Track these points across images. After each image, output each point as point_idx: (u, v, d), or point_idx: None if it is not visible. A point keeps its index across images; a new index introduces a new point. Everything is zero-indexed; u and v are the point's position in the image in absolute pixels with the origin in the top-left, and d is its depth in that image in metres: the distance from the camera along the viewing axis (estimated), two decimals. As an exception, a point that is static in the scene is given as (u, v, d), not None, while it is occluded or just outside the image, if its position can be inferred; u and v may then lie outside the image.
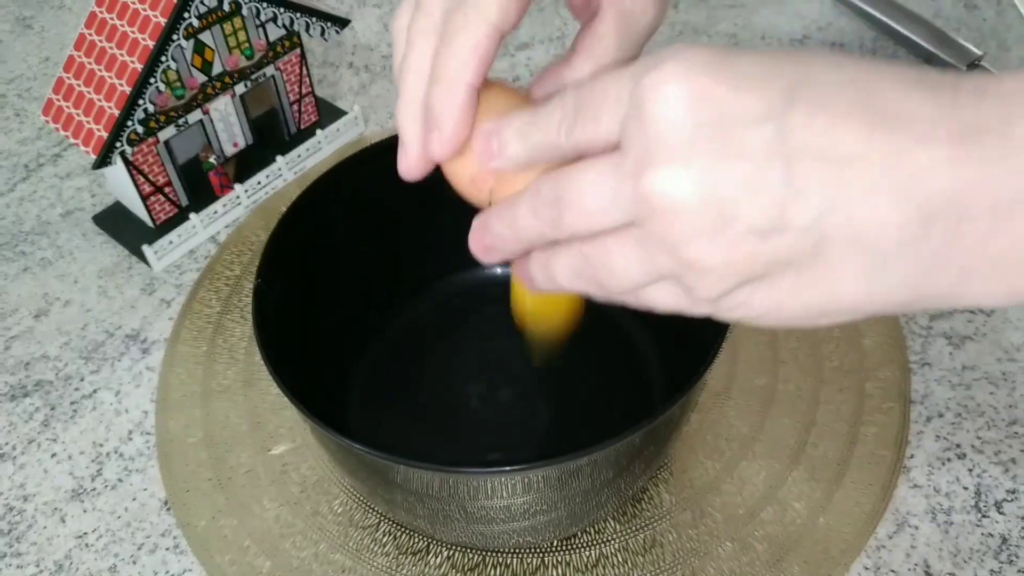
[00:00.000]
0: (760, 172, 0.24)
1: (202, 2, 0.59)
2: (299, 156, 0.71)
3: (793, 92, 0.24)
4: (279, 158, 0.69)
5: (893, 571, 0.47)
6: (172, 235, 0.65)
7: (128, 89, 0.58)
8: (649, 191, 0.25)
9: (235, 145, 0.69)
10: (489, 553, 0.49)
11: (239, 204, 0.68)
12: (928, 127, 0.23)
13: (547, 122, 0.28)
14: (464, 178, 0.33)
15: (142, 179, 0.63)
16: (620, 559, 0.48)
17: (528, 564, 0.48)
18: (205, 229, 0.67)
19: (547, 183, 0.28)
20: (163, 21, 0.57)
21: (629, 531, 0.49)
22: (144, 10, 0.58)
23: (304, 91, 0.71)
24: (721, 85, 0.24)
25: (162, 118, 0.62)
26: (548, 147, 0.29)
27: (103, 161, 0.59)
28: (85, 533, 0.52)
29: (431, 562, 0.49)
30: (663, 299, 0.28)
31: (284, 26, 0.65)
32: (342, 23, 0.68)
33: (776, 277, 0.25)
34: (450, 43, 0.30)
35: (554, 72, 0.36)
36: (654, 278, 0.27)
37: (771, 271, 0.25)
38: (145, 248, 0.64)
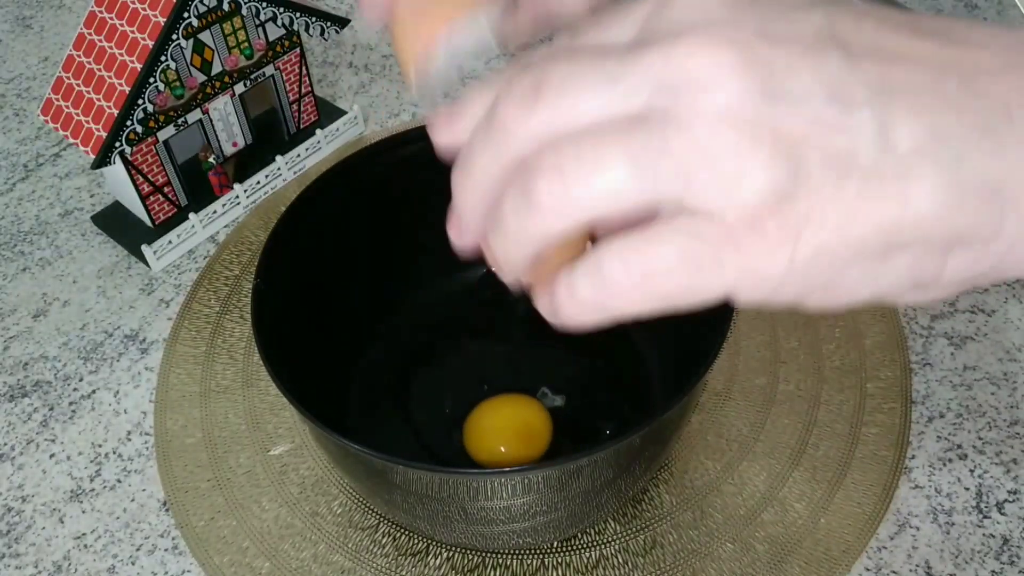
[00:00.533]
0: (814, 50, 0.20)
1: (201, 2, 0.59)
2: (298, 156, 0.71)
3: (833, 5, 0.22)
4: (278, 158, 0.69)
5: (894, 572, 0.47)
6: (171, 235, 0.65)
7: (127, 89, 0.58)
8: (680, 58, 0.20)
9: (234, 145, 0.68)
10: (489, 554, 0.49)
11: (238, 204, 0.68)
12: (982, 40, 0.21)
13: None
14: (407, 45, 0.31)
15: (141, 179, 0.63)
16: (620, 560, 0.48)
17: (528, 565, 0.48)
18: (204, 229, 0.67)
19: (523, 74, 0.22)
20: (162, 21, 0.57)
21: (629, 532, 0.49)
22: (144, 10, 0.58)
23: (304, 90, 0.71)
24: None
25: (161, 118, 0.62)
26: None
27: (102, 161, 0.59)
28: (84, 534, 0.52)
29: (431, 563, 0.49)
30: (674, 249, 0.20)
31: (284, 26, 0.65)
32: (342, 23, 0.68)
33: (838, 181, 0.20)
34: None
35: None
36: (658, 186, 0.20)
37: (830, 165, 0.20)
38: (144, 248, 0.64)
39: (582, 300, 0.22)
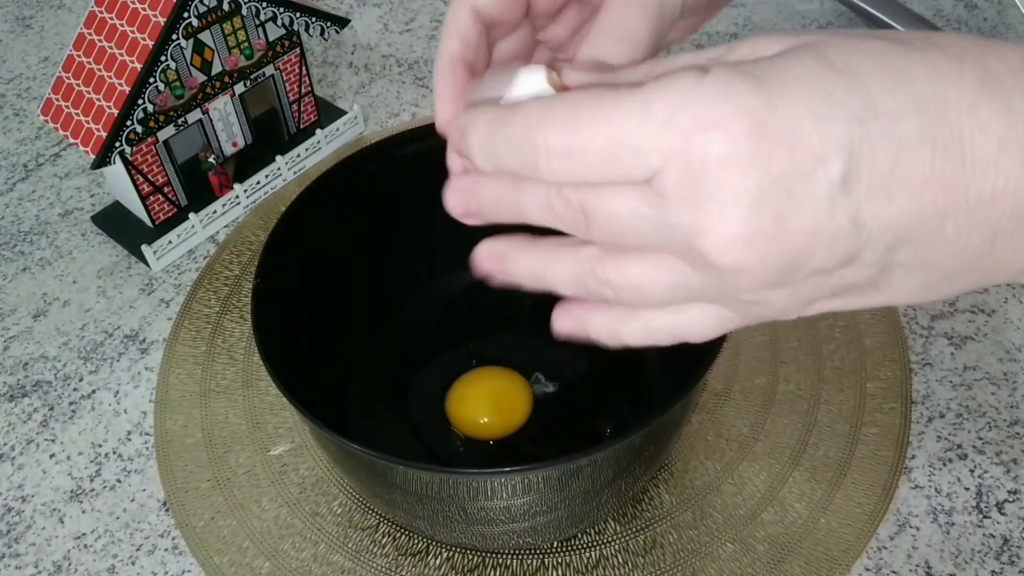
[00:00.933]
0: (827, 224, 0.23)
1: (201, 2, 0.59)
2: (298, 156, 0.71)
3: (852, 128, 0.23)
4: (278, 158, 0.69)
5: (894, 572, 0.47)
6: (171, 235, 0.65)
7: (127, 89, 0.58)
8: (708, 251, 0.23)
9: (234, 145, 0.68)
10: (489, 554, 0.49)
11: (238, 204, 0.68)
12: (996, 145, 0.23)
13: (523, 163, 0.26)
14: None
15: (141, 179, 0.63)
16: (620, 560, 0.48)
17: (528, 565, 0.48)
18: (204, 229, 0.67)
19: (570, 186, 0.25)
20: (162, 21, 0.57)
21: (629, 532, 0.49)
22: (144, 10, 0.58)
23: (304, 90, 0.71)
24: (776, 141, 0.22)
25: (161, 118, 0.62)
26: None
27: (102, 161, 0.59)
28: (84, 534, 0.52)
29: (431, 563, 0.49)
30: (703, 322, 0.27)
31: (284, 26, 0.65)
32: (342, 23, 0.68)
33: (842, 294, 0.25)
34: (445, 22, 0.34)
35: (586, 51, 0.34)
36: (694, 300, 0.26)
37: (836, 294, 0.25)
38: (144, 248, 0.64)
39: (625, 340, 0.28)
